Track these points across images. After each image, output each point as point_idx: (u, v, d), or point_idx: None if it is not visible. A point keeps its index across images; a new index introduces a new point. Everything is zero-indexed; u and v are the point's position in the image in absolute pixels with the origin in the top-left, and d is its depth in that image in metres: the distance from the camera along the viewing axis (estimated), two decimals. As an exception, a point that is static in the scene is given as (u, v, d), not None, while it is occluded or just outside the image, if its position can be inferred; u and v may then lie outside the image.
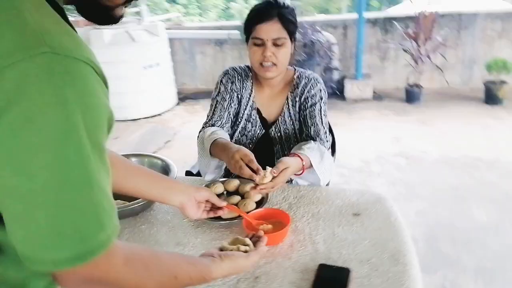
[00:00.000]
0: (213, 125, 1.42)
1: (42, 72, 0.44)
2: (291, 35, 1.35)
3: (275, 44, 1.32)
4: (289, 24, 1.33)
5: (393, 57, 4.86)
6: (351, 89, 4.62)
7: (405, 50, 4.44)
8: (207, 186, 1.25)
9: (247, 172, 1.13)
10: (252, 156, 1.16)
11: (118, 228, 0.55)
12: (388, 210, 1.15)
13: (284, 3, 1.34)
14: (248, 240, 0.88)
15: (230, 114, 1.46)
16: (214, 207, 1.05)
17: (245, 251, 0.86)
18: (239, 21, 5.28)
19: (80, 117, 0.47)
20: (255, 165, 1.14)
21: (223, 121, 1.44)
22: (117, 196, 1.03)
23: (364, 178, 2.96)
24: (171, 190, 0.97)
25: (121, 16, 0.63)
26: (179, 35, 5.25)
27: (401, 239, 1.03)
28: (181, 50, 5.40)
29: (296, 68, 1.50)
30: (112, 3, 0.59)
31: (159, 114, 4.64)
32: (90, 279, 0.54)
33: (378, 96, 4.69)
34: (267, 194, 1.21)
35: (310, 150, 1.27)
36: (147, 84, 4.50)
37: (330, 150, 1.47)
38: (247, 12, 1.38)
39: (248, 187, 1.20)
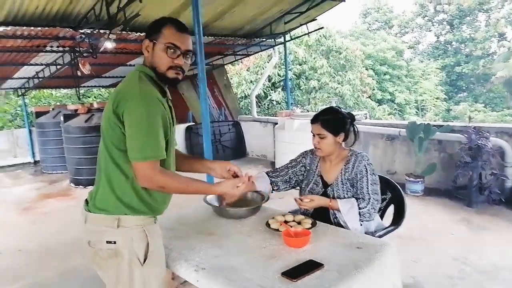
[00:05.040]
0: (274, 173, 2.30)
1: (141, 99, 1.41)
2: (332, 132, 2.10)
3: (320, 137, 2.12)
4: (328, 126, 2.10)
5: None
6: (521, 199, 4.33)
7: None
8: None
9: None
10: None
11: (164, 156, 1.47)
12: (382, 249, 1.66)
13: (328, 111, 2.17)
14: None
15: (288, 175, 2.29)
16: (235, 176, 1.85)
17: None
18: (406, 121, 5.73)
19: (150, 112, 1.41)
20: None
21: (281, 174, 2.29)
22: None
23: (480, 277, 2.92)
24: (208, 170, 1.88)
25: (178, 81, 1.57)
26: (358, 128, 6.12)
27: (374, 263, 1.55)
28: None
29: (351, 149, 2.21)
30: (170, 76, 1.54)
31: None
32: (145, 175, 1.44)
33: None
34: (316, 223, 1.90)
35: (344, 201, 1.94)
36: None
37: (378, 212, 2.04)
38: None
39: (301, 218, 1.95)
